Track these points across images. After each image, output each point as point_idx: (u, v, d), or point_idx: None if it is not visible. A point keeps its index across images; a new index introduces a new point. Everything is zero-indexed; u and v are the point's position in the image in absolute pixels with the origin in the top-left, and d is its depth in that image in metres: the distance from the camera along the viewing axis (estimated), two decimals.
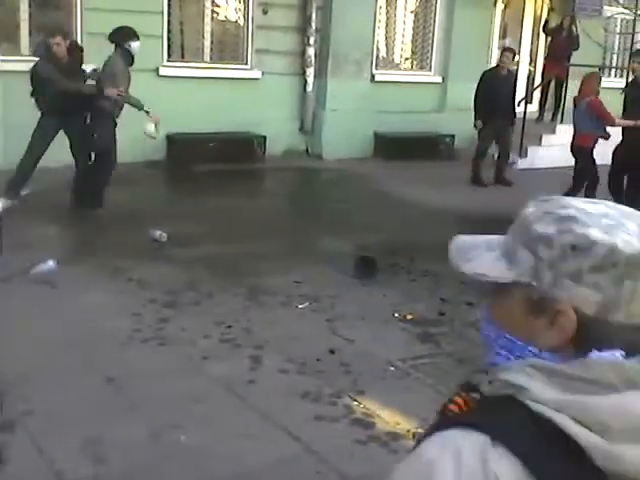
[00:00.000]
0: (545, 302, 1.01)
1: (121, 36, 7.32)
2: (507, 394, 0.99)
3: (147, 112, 7.54)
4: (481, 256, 1.07)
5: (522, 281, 1.03)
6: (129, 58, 7.38)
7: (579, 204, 1.05)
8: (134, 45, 7.35)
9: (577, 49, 12.18)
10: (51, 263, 5.75)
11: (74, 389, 4.10)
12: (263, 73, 11.02)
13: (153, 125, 7.66)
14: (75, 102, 7.35)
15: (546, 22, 13.07)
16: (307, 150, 11.67)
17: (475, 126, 10.26)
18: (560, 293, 1.00)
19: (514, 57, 10.77)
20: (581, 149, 8.73)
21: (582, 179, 8.72)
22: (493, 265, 1.05)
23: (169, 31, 10.41)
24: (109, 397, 4.07)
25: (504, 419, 0.95)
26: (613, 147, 8.58)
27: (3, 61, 8.78)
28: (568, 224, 1.01)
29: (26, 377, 4.16)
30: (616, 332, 1.00)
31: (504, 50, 10.71)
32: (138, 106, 7.50)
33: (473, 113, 10.32)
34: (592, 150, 8.72)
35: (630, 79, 9.63)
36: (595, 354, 1.00)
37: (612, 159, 8.65)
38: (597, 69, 11.72)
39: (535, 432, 0.93)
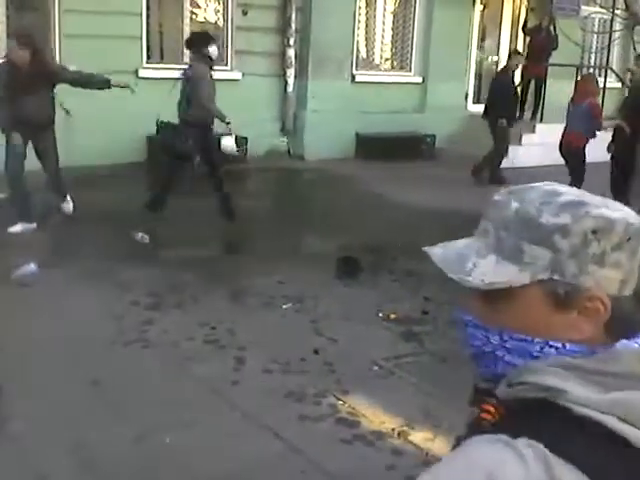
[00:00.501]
0: (572, 293, 0.97)
1: (202, 42, 7.10)
2: (539, 397, 0.94)
3: (228, 124, 7.15)
4: (479, 265, 1.00)
5: (539, 279, 0.97)
6: (209, 63, 7.14)
7: (564, 188, 1.02)
8: (213, 49, 7.13)
9: (556, 49, 12.29)
10: (33, 266, 5.71)
11: (58, 392, 4.08)
12: (243, 74, 11.00)
13: (233, 140, 7.28)
14: (42, 115, 6.86)
15: (525, 22, 13.19)
16: (289, 151, 11.67)
17: (499, 125, 10.35)
18: (586, 280, 0.96)
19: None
20: (571, 146, 8.70)
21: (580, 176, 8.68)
22: (499, 271, 0.98)
23: (148, 32, 10.36)
24: (94, 400, 4.06)
25: (551, 425, 0.91)
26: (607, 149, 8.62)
27: None
28: (581, 209, 0.97)
29: (10, 380, 4.13)
30: (630, 306, 0.98)
31: (513, 53, 11.23)
32: (221, 117, 7.18)
33: (483, 113, 10.65)
34: (584, 148, 8.71)
35: (628, 88, 9.69)
36: (620, 344, 0.98)
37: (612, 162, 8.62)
38: (575, 68, 11.84)
39: (586, 437, 0.89)
